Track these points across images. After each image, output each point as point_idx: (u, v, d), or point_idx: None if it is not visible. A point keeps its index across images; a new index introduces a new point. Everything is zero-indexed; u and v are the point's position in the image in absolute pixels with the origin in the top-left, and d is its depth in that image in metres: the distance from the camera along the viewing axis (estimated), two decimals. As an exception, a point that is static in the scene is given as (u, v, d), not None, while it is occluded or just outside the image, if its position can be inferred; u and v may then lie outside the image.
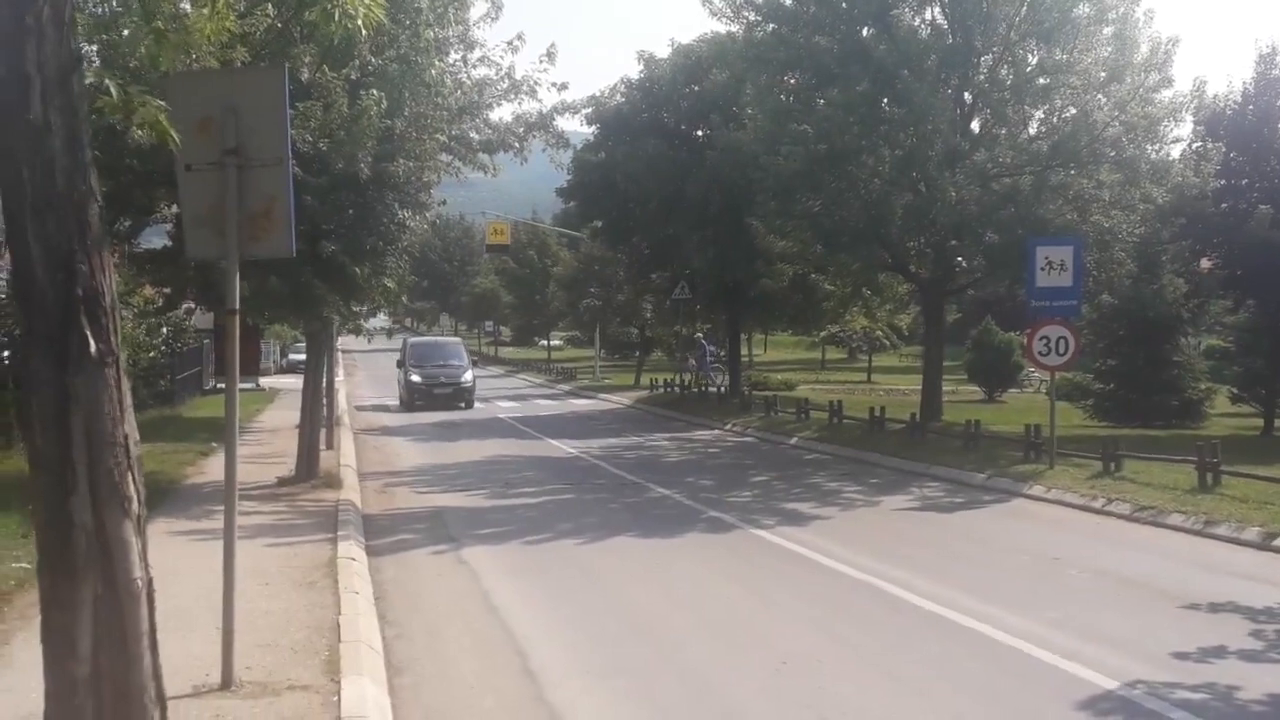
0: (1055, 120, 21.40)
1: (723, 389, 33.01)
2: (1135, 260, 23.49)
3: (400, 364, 34.10)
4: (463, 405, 32.04)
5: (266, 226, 6.31)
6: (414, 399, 32.07)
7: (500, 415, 30.79)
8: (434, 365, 33.35)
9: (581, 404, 36.67)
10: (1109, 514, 13.47)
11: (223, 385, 35.36)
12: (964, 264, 23.24)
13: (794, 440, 22.85)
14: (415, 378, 32.58)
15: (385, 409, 32.51)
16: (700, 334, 40.51)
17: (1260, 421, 24.88)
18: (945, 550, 11.51)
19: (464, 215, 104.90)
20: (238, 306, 6.40)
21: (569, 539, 12.01)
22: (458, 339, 39.53)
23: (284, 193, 6.32)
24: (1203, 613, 8.70)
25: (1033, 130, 21.94)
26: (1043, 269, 16.74)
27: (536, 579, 10.04)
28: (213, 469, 15.89)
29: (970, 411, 24.44)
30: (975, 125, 22.30)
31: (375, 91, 12.36)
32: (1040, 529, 13.00)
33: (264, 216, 6.29)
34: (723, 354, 35.94)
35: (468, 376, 33.22)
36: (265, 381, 41.50)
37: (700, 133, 31.78)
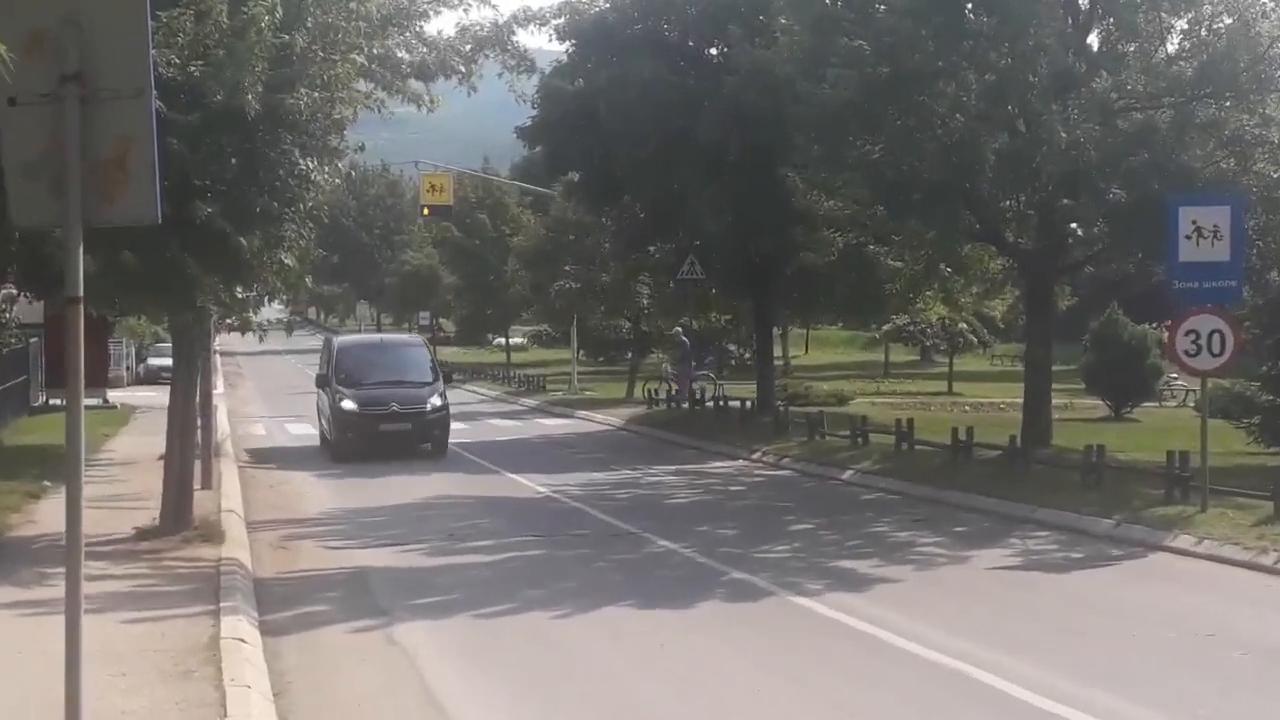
0: (1204, 33, 21.42)
1: (715, 401, 33.70)
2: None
3: (323, 383, 28.24)
4: (428, 448, 26.89)
5: (121, 181, 6.30)
6: (346, 438, 26.34)
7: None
8: (379, 384, 27.14)
9: (554, 425, 36.66)
10: (1283, 574, 13.52)
11: (58, 401, 35.88)
12: (1080, 231, 23.23)
13: (848, 474, 22.90)
14: (349, 405, 26.40)
15: (289, 449, 32.08)
16: (679, 328, 40.96)
17: None
18: (1060, 624, 11.48)
19: (389, 165, 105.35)
20: (80, 292, 6.37)
21: (540, 610, 11.99)
22: (417, 338, 35.13)
23: (145, 135, 6.32)
24: None
25: (1173, 48, 21.97)
26: (1189, 238, 16.75)
27: (495, 666, 10.01)
28: (47, 517, 15.79)
29: (1090, 434, 24.40)
30: (1094, 40, 22.31)
31: (267, -7, 12.38)
32: (1189, 594, 12.96)
33: (117, 167, 6.29)
34: (745, 354, 36.10)
35: (436, 400, 27.22)
36: (116, 395, 41.41)
37: (715, 51, 31.71)
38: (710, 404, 34.16)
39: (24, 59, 5.97)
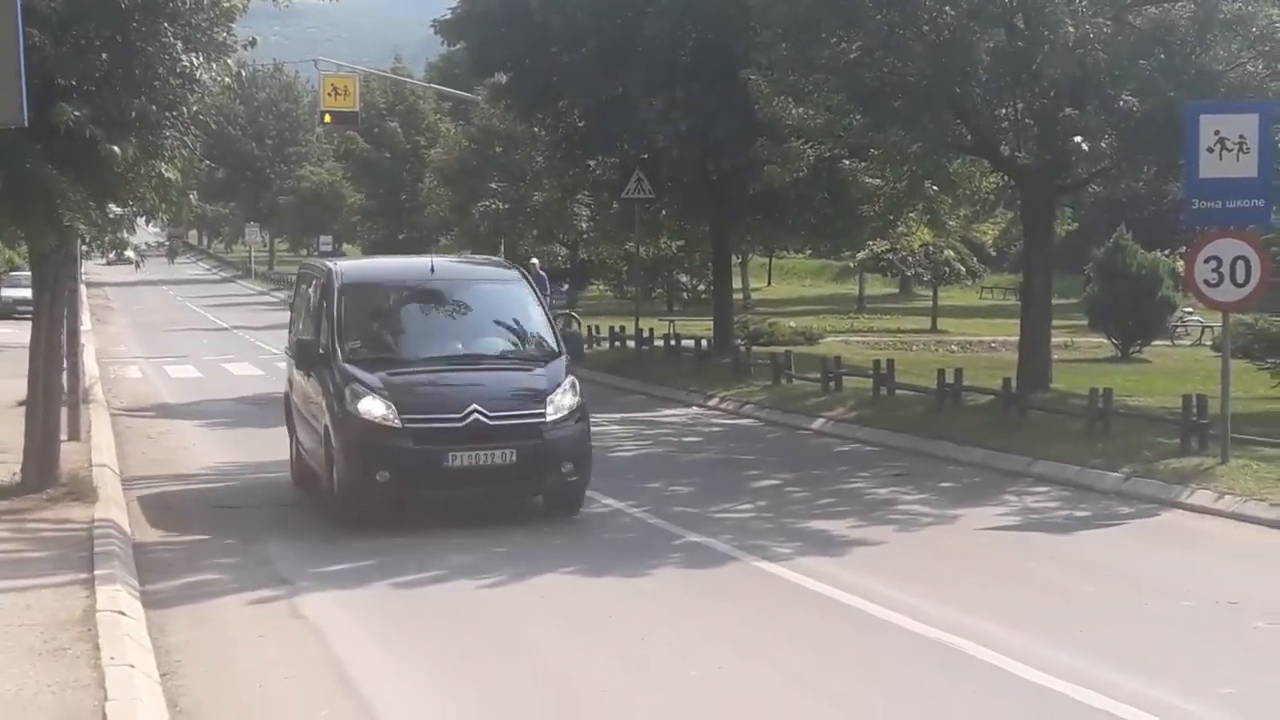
0: (1229, -89, 21.50)
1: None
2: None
3: (308, 357, 15.90)
4: (567, 508, 15.31)
5: (-22, 77, 6.23)
6: (372, 481, 14.44)
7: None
8: (437, 362, 15.78)
9: (478, 367, 36.48)
10: (1312, 534, 13.71)
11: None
12: (1085, 145, 23.38)
13: (819, 423, 23.04)
14: (376, 409, 14.63)
15: (169, 395, 31.86)
16: (535, 259, 41.38)
17: None
18: (1062, 592, 11.64)
19: (283, 65, 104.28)
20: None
21: (467, 578, 12.03)
22: (507, 268, 18.99)
23: (9, 26, 6.27)
24: None
25: (1194, -69, 22.03)
26: (1210, 150, 16.85)
27: (418, 643, 10.05)
28: (-113, 473, 15.70)
29: (1095, 376, 24.64)
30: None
31: None
32: (1208, 557, 13.17)
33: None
34: (699, 286, 36.16)
35: (563, 398, 15.15)
36: (-35, 333, 40.99)
37: (666, -69, 31.54)
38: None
39: None
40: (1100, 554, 13.26)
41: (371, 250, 79.46)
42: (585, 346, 36.90)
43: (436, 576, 12.16)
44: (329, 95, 48.77)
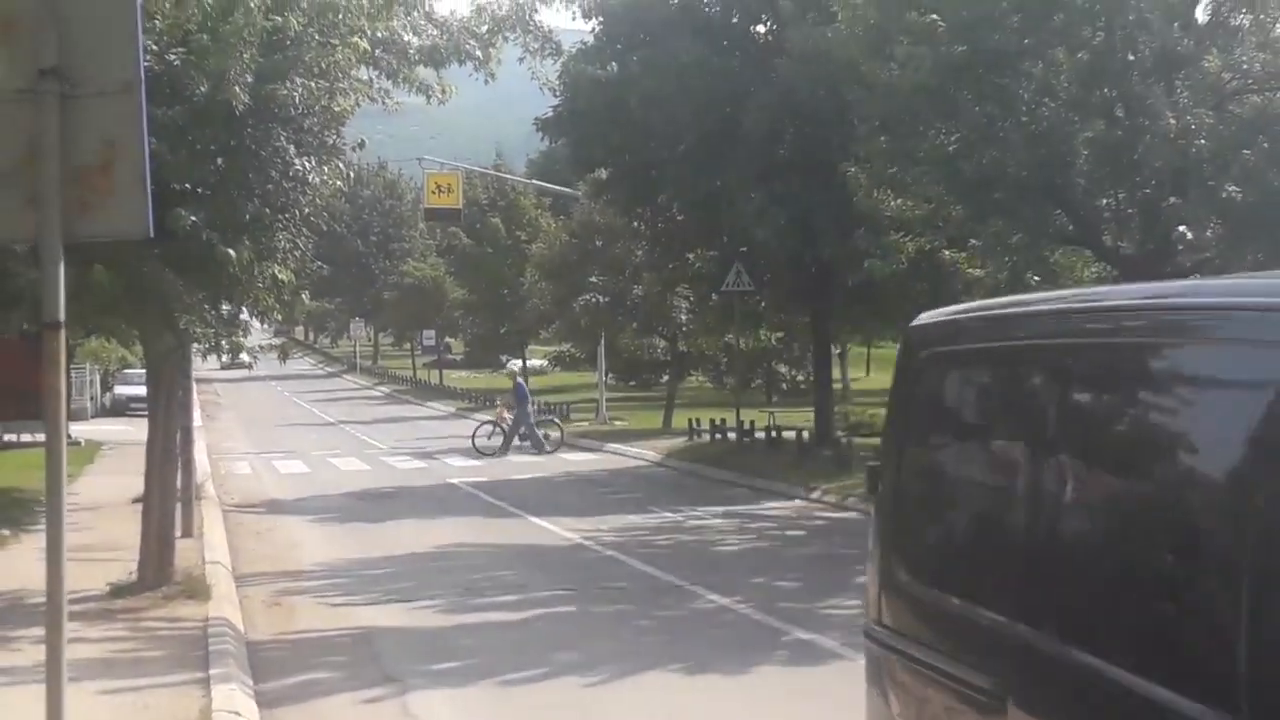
0: (1333, 1, 21.38)
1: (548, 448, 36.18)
2: None
3: None
4: None
5: (105, 190, 6.35)
6: None
7: (453, 479, 30.90)
8: None
9: (581, 460, 36.76)
10: None
11: (11, 437, 36.02)
12: (1188, 233, 23.17)
13: (922, 515, 22.82)
14: None
15: (278, 491, 32.21)
16: (514, 364, 42.06)
17: None
18: None
19: (388, 163, 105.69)
20: (62, 316, 6.43)
21: (573, 676, 12.01)
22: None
23: (133, 137, 6.37)
24: None
25: (1296, 18, 21.91)
26: (1319, 239, 16.69)
27: (527, 742, 10.06)
28: (7, 571, 15.93)
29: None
30: (1202, 13, 22.27)
31: (256, -32, 12.51)
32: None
33: (101, 174, 6.33)
34: (798, 377, 36.20)
35: None
36: (79, 429, 41.68)
37: (763, 30, 31.81)
38: (551, 452, 36.74)
39: (-6, 49, 6.06)
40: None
41: (474, 344, 79.85)
42: (686, 439, 37.25)
43: (542, 674, 12.15)
44: (433, 192, 49.38)
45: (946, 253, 29.16)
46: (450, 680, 11.98)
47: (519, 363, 41.63)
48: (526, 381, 39.69)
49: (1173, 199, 21.37)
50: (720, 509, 25.15)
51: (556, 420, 40.24)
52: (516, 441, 37.46)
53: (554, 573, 17.97)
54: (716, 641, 13.52)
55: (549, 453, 37.12)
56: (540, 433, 38.23)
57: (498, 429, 37.95)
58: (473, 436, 37.70)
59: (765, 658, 12.80)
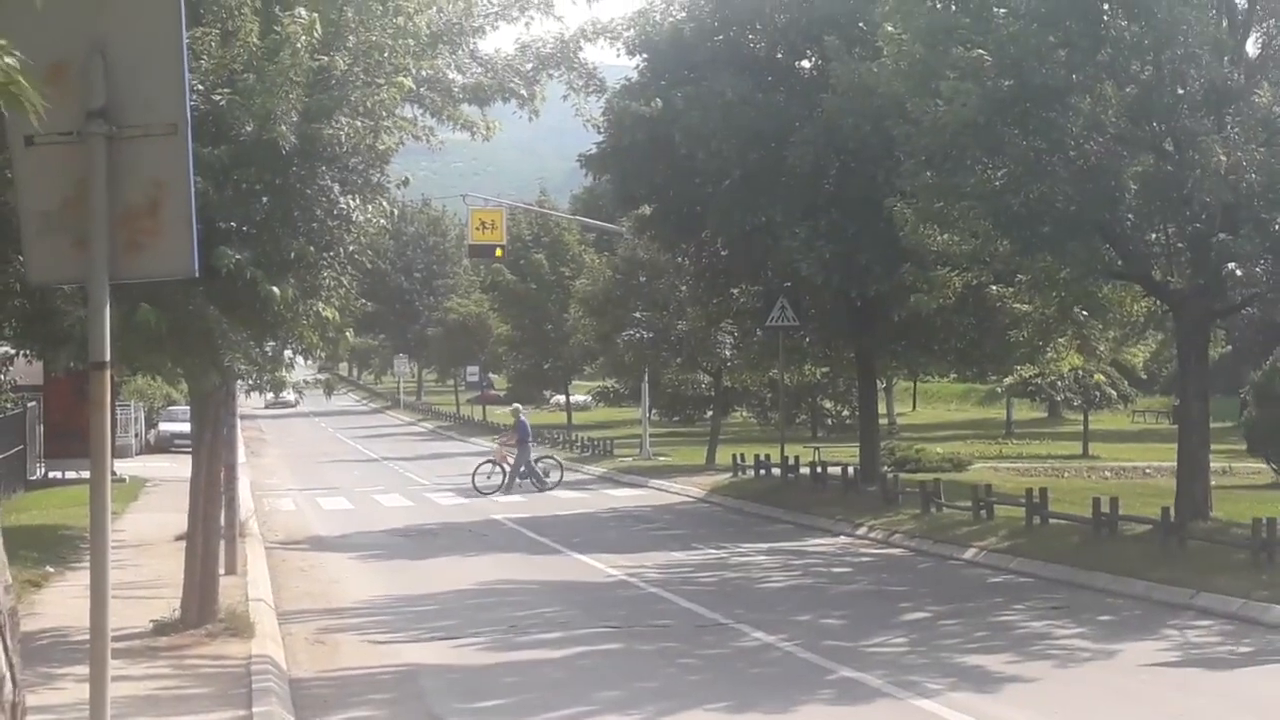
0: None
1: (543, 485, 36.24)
2: None
3: None
4: None
5: (152, 230, 6.39)
6: None
7: (496, 515, 30.86)
8: None
9: (624, 495, 36.73)
10: None
11: (59, 474, 36.29)
12: (1239, 270, 23.01)
13: (970, 553, 22.72)
14: None
15: (322, 528, 32.29)
16: (517, 405, 43.17)
17: None
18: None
19: (432, 199, 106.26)
20: (107, 356, 6.45)
21: (617, 714, 11.99)
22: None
23: (180, 178, 6.41)
24: None
25: (1347, 51, 21.78)
26: (1371, 273, 16.54)
27: (571, 782, 10.01)
28: (52, 608, 15.97)
29: (1257, 504, 24.06)
30: (1253, 46, 22.16)
31: (302, 10, 12.54)
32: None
33: (148, 214, 6.37)
34: (844, 412, 36.14)
35: None
36: (125, 466, 41.93)
37: (808, 65, 31.84)
38: (552, 488, 36.76)
39: (43, 92, 6.05)
40: (1270, 692, 12.88)
41: (518, 380, 79.86)
42: (731, 475, 37.15)
43: (586, 712, 12.15)
44: (477, 229, 49.51)
45: (994, 288, 29.15)
46: (493, 718, 11.94)
47: (519, 406, 42.34)
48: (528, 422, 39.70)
49: (1222, 235, 21.25)
50: (764, 545, 25.09)
51: (556, 459, 40.25)
52: (517, 480, 37.35)
53: (597, 610, 17.92)
54: (760, 680, 13.48)
55: (550, 488, 36.99)
56: (540, 468, 38.17)
57: (497, 467, 37.79)
58: (473, 475, 37.42)
59: (810, 696, 12.73)
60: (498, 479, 37.13)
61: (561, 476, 38.36)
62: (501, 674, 13.87)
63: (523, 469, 37.72)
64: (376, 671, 14.14)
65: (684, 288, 42.01)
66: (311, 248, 14.13)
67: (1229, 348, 54.48)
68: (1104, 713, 12.03)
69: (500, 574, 21.42)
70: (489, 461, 38.31)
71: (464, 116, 15.63)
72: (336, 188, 14.13)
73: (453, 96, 15.44)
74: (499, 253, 50.71)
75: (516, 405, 43.16)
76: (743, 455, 38.80)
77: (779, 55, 32.20)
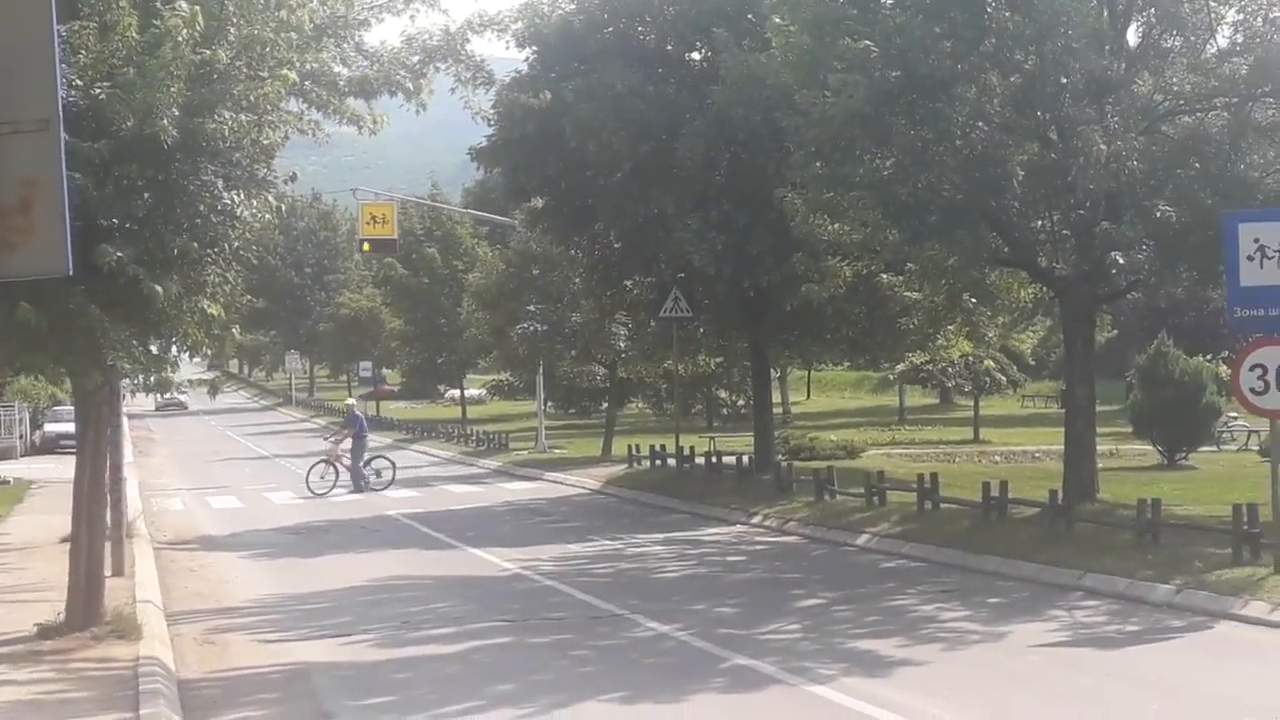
0: (1259, 24, 21.60)
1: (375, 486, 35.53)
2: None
3: None
4: None
5: (25, 229, 6.27)
6: None
7: (390, 511, 30.66)
8: None
9: (519, 489, 36.60)
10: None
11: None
12: (1121, 259, 23.40)
13: (863, 539, 22.90)
14: None
15: (211, 527, 31.87)
16: (351, 400, 43.25)
17: None
18: (1114, 711, 11.47)
19: (322, 194, 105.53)
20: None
21: (510, 708, 11.93)
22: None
23: (52, 176, 6.29)
24: None
25: (1224, 41, 22.12)
26: (1251, 259, 16.82)
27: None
28: (-68, 613, 15.70)
29: (1142, 486, 24.45)
30: (1133, 36, 22.50)
31: (183, 3, 12.40)
32: (1265, 673, 12.97)
33: (20, 213, 6.25)
34: (738, 402, 36.27)
35: None
36: (9, 468, 41.27)
37: (698, 57, 31.89)
38: (380, 489, 35.62)
39: (-96, 89, 5.98)
40: (1152, 670, 13.06)
41: (411, 375, 79.58)
42: (627, 466, 37.14)
43: (479, 706, 12.07)
44: (368, 223, 49.09)
45: (884, 276, 29.44)
46: (386, 715, 11.89)
47: (354, 400, 41.96)
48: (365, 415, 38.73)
49: (1105, 224, 21.56)
50: (660, 536, 25.14)
51: (388, 459, 38.63)
52: (362, 478, 36.31)
53: (491, 604, 17.85)
54: (654, 669, 13.50)
55: (375, 491, 35.60)
56: (371, 470, 36.88)
57: (331, 468, 36.64)
58: (307, 476, 36.25)
59: (703, 685, 12.73)
60: (331, 479, 36.03)
61: (393, 477, 37.09)
62: (393, 670, 13.79)
63: (362, 464, 36.88)
64: (266, 670, 13.98)
65: (577, 280, 41.94)
66: (195, 244, 14.00)
67: (1114, 332, 55.35)
68: (993, 693, 12.15)
69: (393, 570, 21.28)
70: (323, 462, 37.19)
71: (350, 110, 15.54)
72: (220, 183, 14.00)
73: (338, 90, 15.35)
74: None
75: (350, 401, 42.77)
76: (638, 446, 38.95)
77: (669, 47, 32.22)
